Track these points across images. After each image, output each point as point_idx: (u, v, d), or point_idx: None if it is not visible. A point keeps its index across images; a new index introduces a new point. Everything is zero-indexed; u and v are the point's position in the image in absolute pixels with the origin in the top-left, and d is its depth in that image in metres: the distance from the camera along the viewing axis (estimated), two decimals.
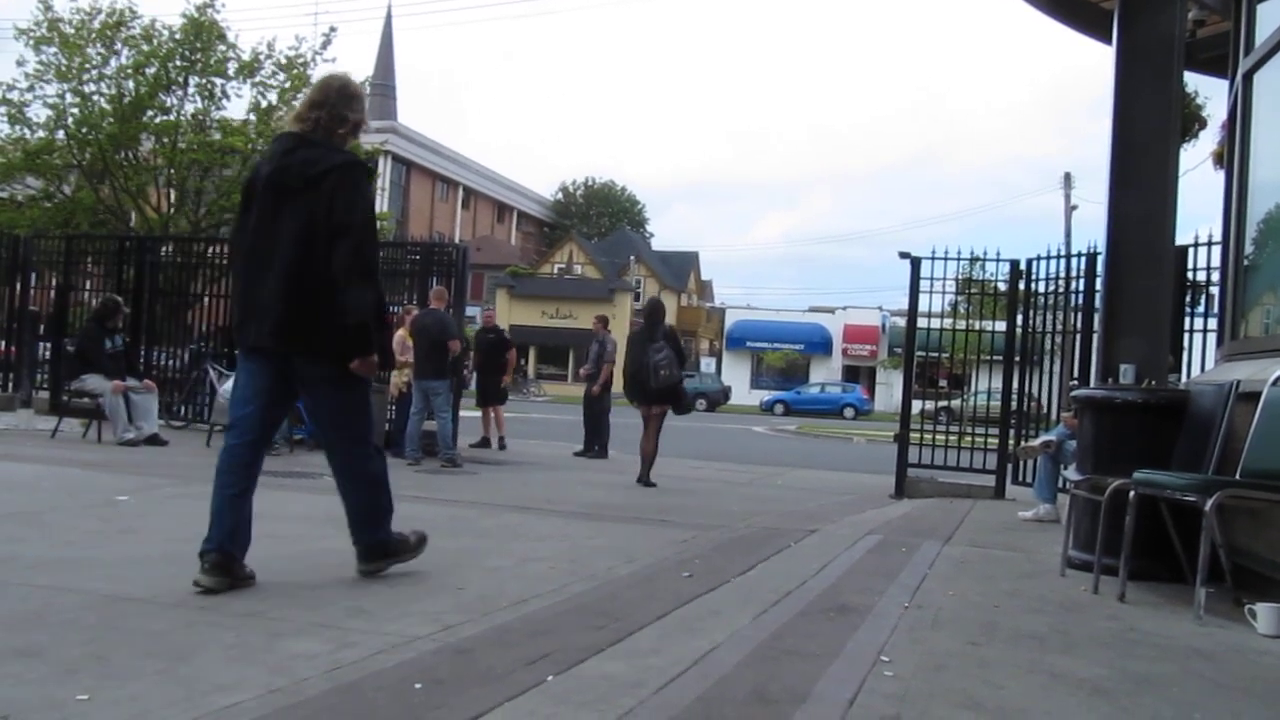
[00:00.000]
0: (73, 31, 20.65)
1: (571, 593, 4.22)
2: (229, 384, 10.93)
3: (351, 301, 3.99)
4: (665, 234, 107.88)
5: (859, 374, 49.23)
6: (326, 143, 4.19)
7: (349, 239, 4.00)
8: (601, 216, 67.59)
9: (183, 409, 12.98)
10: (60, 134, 21.13)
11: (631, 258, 53.57)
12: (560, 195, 68.84)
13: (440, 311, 10.65)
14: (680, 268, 58.27)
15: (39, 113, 21.06)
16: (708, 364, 51.05)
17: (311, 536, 5.35)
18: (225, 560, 3.90)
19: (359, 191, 4.11)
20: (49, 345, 14.18)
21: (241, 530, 3.99)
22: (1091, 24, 7.80)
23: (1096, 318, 7.55)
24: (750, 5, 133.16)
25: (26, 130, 21.06)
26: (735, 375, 48.22)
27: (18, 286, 14.58)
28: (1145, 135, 6.13)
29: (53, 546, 4.59)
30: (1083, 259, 9.49)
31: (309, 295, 4.03)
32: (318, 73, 22.05)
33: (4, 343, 14.62)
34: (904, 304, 10.48)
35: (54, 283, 14.70)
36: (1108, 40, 6.45)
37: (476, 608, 3.81)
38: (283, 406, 4.35)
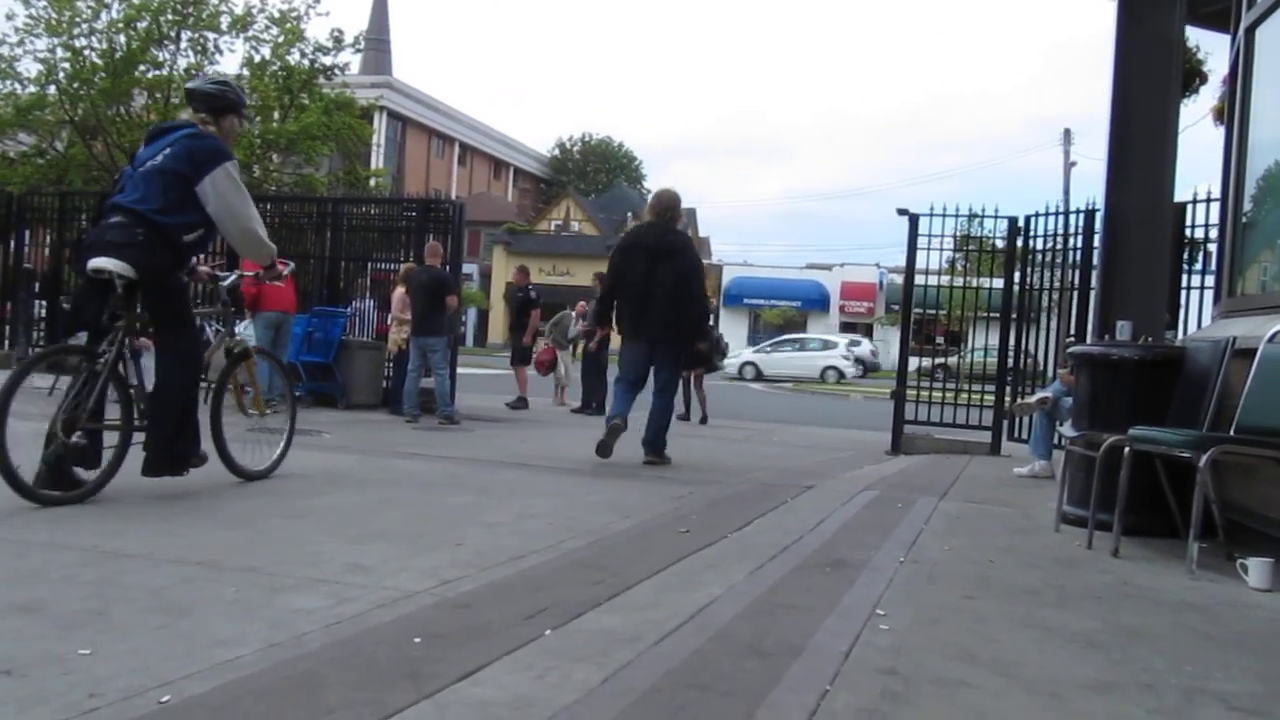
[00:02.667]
0: None
1: (569, 548, 4.24)
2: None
3: (703, 313, 8.02)
4: None
5: (856, 331, 49.24)
6: (673, 227, 7.60)
7: (699, 282, 7.53)
8: (599, 173, 67.15)
9: None
10: (51, 89, 20.95)
11: (629, 214, 53.26)
12: (557, 152, 68.34)
13: (436, 268, 10.63)
14: None
15: (29, 67, 20.92)
16: None
17: (309, 492, 5.37)
18: (621, 425, 7.24)
19: (697, 255, 7.72)
20: (44, 303, 14.15)
21: (628, 410, 7.41)
22: None
23: (1094, 274, 7.54)
24: None
25: (17, 85, 20.91)
26: (732, 332, 48.05)
27: (11, 244, 14.52)
28: (1145, 92, 6.07)
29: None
30: (1081, 216, 9.48)
31: (678, 310, 7.31)
32: (311, 27, 21.89)
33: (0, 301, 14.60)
34: (902, 261, 10.47)
35: (48, 240, 14.63)
36: None
37: (474, 563, 3.83)
38: (649, 366, 7.49)
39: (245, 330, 10.37)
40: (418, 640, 2.83)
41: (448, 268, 11.13)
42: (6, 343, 13.99)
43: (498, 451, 7.87)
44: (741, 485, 6.66)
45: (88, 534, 4.01)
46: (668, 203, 7.62)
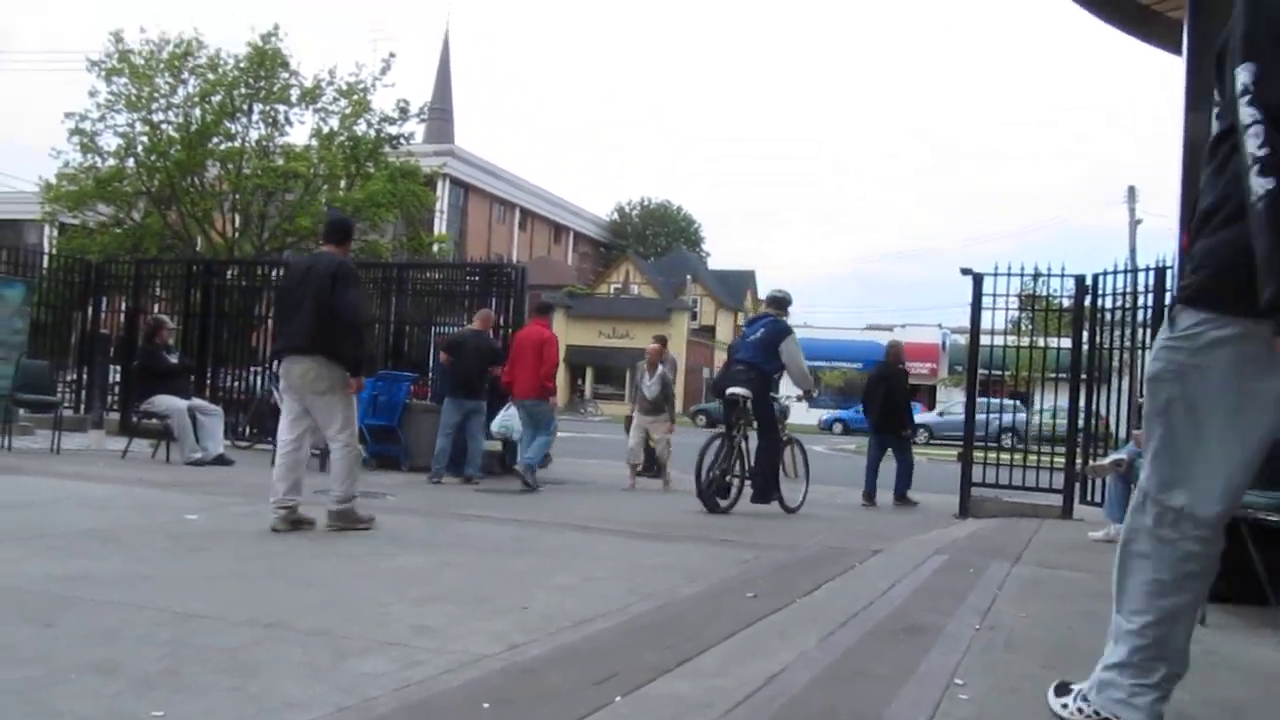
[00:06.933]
0: (142, 62, 21.21)
1: (635, 612, 4.20)
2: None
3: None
4: (722, 253, 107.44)
5: (919, 392, 48.69)
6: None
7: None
8: (658, 237, 67.59)
9: (247, 429, 13.19)
10: (130, 162, 21.69)
11: (688, 277, 53.58)
12: (616, 216, 68.97)
13: (486, 335, 10.80)
14: (737, 286, 58.13)
15: (110, 141, 21.67)
16: None
17: (375, 554, 5.39)
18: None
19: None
20: (119, 368, 14.52)
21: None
22: (1160, 35, 7.64)
23: None
24: (805, 32, 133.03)
25: (98, 158, 21.65)
26: (793, 393, 47.75)
27: (89, 310, 14.99)
28: None
29: (126, 563, 4.68)
30: (1151, 273, 9.30)
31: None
32: (377, 98, 22.46)
33: (77, 365, 15.01)
34: (964, 321, 10.40)
35: (124, 306, 15.05)
36: (1177, 50, 6.32)
37: (541, 627, 3.80)
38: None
39: (507, 412, 10.66)
40: (486, 705, 2.80)
41: (503, 335, 11.29)
42: (83, 406, 14.32)
43: (557, 514, 7.84)
44: (807, 549, 6.56)
45: (162, 594, 4.05)
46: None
